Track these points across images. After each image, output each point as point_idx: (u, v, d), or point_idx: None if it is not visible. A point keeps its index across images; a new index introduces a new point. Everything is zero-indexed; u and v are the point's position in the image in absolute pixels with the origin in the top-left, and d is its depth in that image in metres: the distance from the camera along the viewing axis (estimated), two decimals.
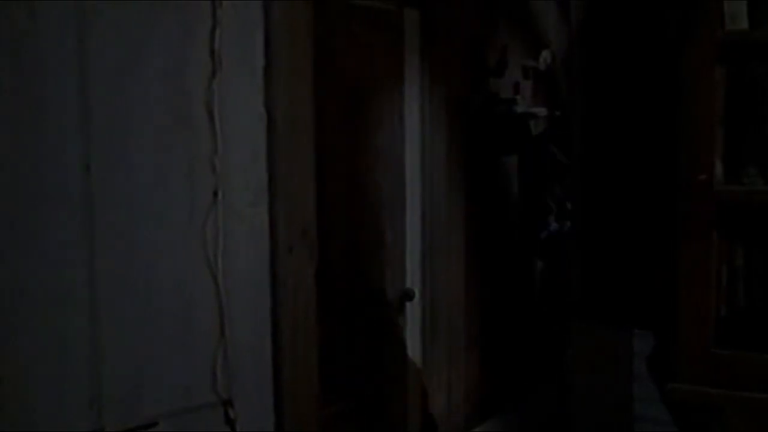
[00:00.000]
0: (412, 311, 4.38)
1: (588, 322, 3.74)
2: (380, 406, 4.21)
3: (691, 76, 3.08)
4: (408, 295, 4.32)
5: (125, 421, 2.74)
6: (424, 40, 4.32)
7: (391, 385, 4.27)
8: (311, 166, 3.35)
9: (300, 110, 3.28)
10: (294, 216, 3.25)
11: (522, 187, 5.52)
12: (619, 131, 3.63)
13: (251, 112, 3.07)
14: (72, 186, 2.57)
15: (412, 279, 4.38)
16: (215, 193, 2.95)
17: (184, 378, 2.92)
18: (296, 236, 3.26)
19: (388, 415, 4.25)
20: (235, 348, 3.03)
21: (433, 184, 4.44)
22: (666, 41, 3.33)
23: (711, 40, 3.05)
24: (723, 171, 3.12)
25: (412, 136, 4.28)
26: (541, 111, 5.32)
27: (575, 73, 3.89)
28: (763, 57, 3.08)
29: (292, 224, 3.24)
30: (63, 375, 2.58)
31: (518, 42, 5.19)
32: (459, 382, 4.89)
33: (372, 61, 4.03)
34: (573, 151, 3.87)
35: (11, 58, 2.43)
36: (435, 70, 4.40)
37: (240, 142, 3.03)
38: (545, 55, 5.02)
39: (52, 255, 2.53)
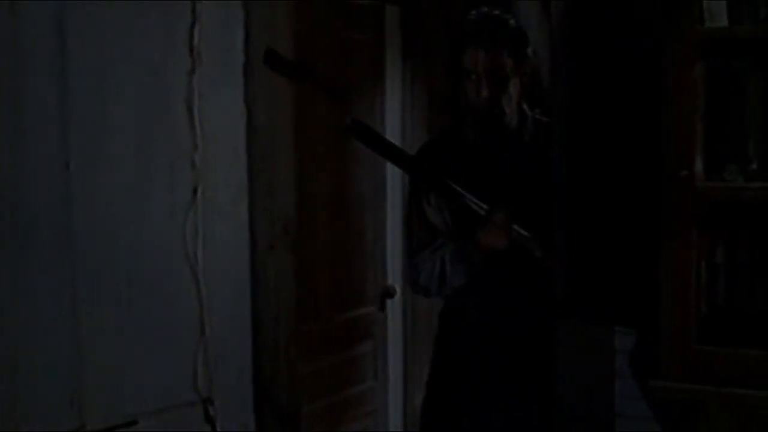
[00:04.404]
0: (393, 308, 4.37)
1: (570, 320, 3.74)
2: (360, 403, 4.20)
3: (672, 73, 3.08)
4: (389, 293, 4.31)
5: (106, 420, 2.74)
6: (406, 37, 4.31)
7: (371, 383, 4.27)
8: (292, 163, 3.35)
9: (280, 107, 3.27)
10: (275, 213, 3.24)
11: None
12: (601, 129, 3.63)
13: (231, 109, 3.06)
14: (51, 183, 2.56)
15: (393, 276, 4.37)
16: (195, 191, 2.94)
17: (164, 376, 2.91)
18: (277, 233, 3.25)
19: (369, 413, 4.25)
20: (215, 346, 3.02)
21: None
22: (647, 38, 3.33)
23: (691, 37, 3.05)
24: (704, 167, 3.13)
25: (394, 134, 4.26)
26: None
27: (557, 71, 3.89)
28: (742, 54, 3.09)
29: (273, 221, 3.23)
30: (43, 373, 2.56)
31: None
32: None
33: (353, 58, 4.01)
34: (556, 149, 3.87)
35: None
36: (416, 68, 4.39)
37: (220, 139, 3.02)
38: (527, 52, 5.02)
39: (33, 251, 2.52)
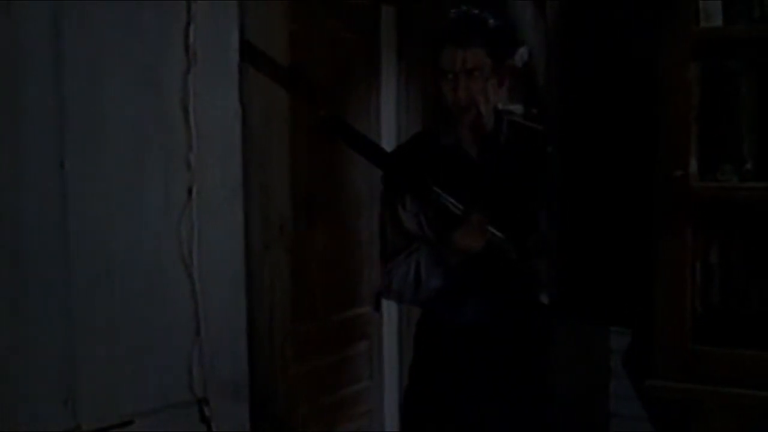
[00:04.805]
0: (389, 308, 4.36)
1: (566, 320, 3.74)
2: (355, 403, 4.20)
3: (667, 73, 3.09)
4: None
5: (101, 420, 2.73)
6: (401, 37, 4.31)
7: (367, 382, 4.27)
8: (287, 162, 3.34)
9: (275, 107, 3.27)
10: (270, 213, 3.24)
11: None
12: (596, 129, 3.64)
13: (226, 108, 3.06)
14: (46, 183, 2.56)
15: None
16: (190, 190, 2.94)
17: (159, 376, 2.91)
18: (272, 233, 3.25)
19: (365, 413, 4.25)
20: (210, 346, 3.02)
21: None
22: (642, 39, 3.34)
23: (686, 36, 3.06)
24: (698, 168, 3.13)
25: (389, 133, 4.26)
26: (518, 108, 5.31)
27: (552, 70, 3.90)
28: (737, 54, 3.10)
29: (268, 221, 3.23)
30: (38, 373, 2.56)
31: None
32: None
33: (348, 57, 4.01)
34: (551, 149, 3.87)
35: None
36: (412, 68, 4.39)
37: (215, 139, 3.02)
38: (522, 52, 5.01)
39: (27, 251, 2.52)
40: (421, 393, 2.96)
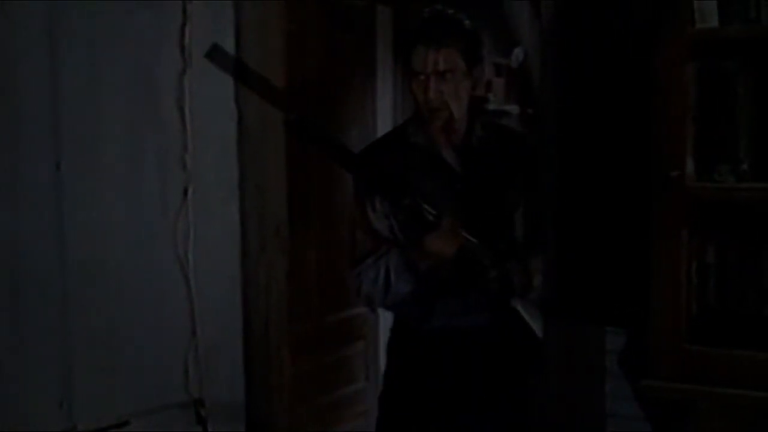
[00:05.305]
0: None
1: (561, 320, 3.74)
2: (351, 404, 4.20)
3: (663, 73, 3.09)
4: None
5: (97, 420, 2.73)
6: (397, 37, 4.31)
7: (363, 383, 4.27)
8: (283, 163, 3.34)
9: (271, 107, 3.26)
10: (266, 213, 3.24)
11: None
12: (592, 129, 3.64)
13: (222, 109, 3.06)
14: (42, 184, 2.55)
15: None
16: (186, 191, 2.94)
17: (155, 377, 2.91)
18: (268, 234, 3.25)
19: (361, 413, 4.25)
20: (206, 347, 3.02)
21: None
22: (638, 39, 3.34)
23: (682, 37, 3.06)
24: (695, 168, 3.13)
25: (385, 132, 4.26)
26: (513, 109, 5.31)
27: (548, 70, 3.90)
28: (733, 54, 3.10)
29: (264, 221, 3.23)
30: (34, 374, 2.56)
31: (490, 39, 5.19)
32: None
33: (345, 58, 4.01)
34: (547, 149, 3.87)
35: None
36: None
37: (211, 139, 3.02)
38: (517, 52, 5.02)
39: (23, 252, 2.51)
40: (394, 400, 2.91)
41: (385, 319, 4.41)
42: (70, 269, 2.63)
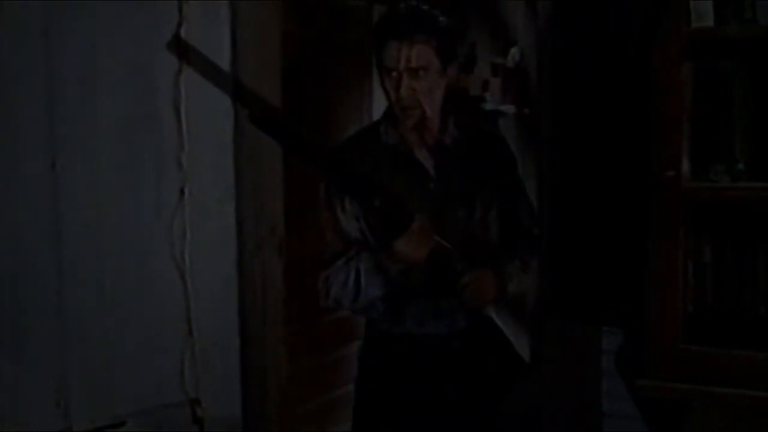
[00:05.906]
0: None
1: (558, 320, 3.74)
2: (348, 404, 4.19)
3: (659, 73, 3.09)
4: None
5: (93, 421, 2.72)
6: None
7: None
8: (280, 163, 3.34)
9: (268, 106, 3.26)
10: (263, 213, 3.23)
11: None
12: (588, 129, 3.64)
13: (219, 109, 3.05)
14: (38, 183, 2.55)
15: None
16: (182, 190, 2.93)
17: (152, 377, 2.90)
18: (265, 233, 3.24)
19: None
20: (202, 346, 3.02)
21: None
22: (634, 38, 3.34)
23: (678, 37, 3.07)
24: (691, 168, 3.14)
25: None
26: (510, 108, 5.31)
27: (544, 70, 3.90)
28: (729, 54, 3.10)
29: (260, 221, 3.22)
30: (29, 374, 2.56)
31: (487, 39, 5.18)
32: None
33: (342, 57, 4.01)
34: (543, 149, 3.87)
35: None
36: None
37: (207, 139, 3.01)
38: (514, 52, 5.01)
39: (19, 251, 2.51)
40: (366, 407, 2.88)
41: None
42: (66, 268, 2.62)
